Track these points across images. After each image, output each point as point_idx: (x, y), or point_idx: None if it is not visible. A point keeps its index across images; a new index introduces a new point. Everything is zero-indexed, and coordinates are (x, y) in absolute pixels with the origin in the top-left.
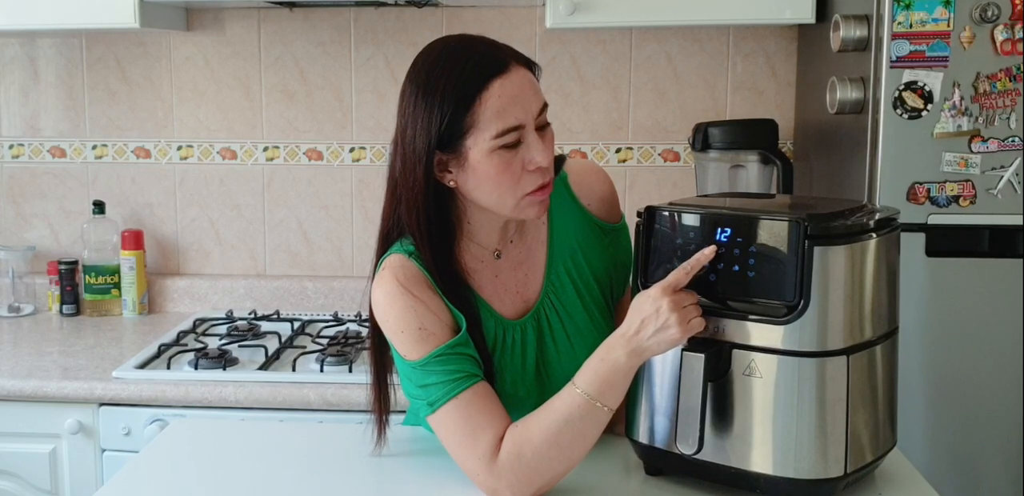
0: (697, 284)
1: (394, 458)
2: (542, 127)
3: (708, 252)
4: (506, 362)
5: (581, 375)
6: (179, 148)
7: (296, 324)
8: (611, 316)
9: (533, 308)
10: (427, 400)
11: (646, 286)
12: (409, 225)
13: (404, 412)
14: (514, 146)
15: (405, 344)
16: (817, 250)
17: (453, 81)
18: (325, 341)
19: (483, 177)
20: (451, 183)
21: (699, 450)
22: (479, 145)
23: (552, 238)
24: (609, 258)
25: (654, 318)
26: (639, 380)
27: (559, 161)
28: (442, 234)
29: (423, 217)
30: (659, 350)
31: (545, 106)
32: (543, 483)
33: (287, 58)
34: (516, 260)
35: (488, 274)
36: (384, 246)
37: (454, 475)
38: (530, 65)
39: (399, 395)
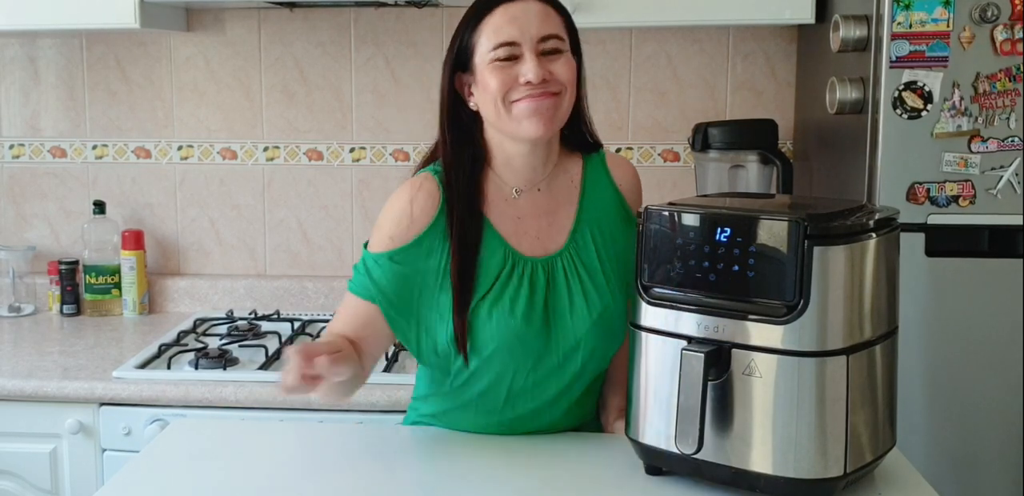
0: (696, 282)
1: (395, 458)
2: (550, 54)
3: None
4: (511, 292)
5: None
6: (179, 148)
7: (296, 324)
8: (624, 296)
9: (552, 255)
10: (350, 282)
11: (646, 288)
12: (442, 145)
13: (404, 412)
14: (510, 60)
15: (374, 235)
16: (817, 250)
17: (470, 10)
18: None
19: (483, 88)
20: (473, 106)
21: (699, 450)
22: (482, 59)
23: (583, 202)
24: (630, 250)
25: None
26: (638, 379)
27: (600, 146)
28: (471, 158)
29: (447, 134)
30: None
31: (554, 36)
32: None
33: (287, 58)
34: (542, 209)
35: (510, 213)
36: (423, 165)
37: (455, 476)
38: (553, 3)
39: (402, 395)
